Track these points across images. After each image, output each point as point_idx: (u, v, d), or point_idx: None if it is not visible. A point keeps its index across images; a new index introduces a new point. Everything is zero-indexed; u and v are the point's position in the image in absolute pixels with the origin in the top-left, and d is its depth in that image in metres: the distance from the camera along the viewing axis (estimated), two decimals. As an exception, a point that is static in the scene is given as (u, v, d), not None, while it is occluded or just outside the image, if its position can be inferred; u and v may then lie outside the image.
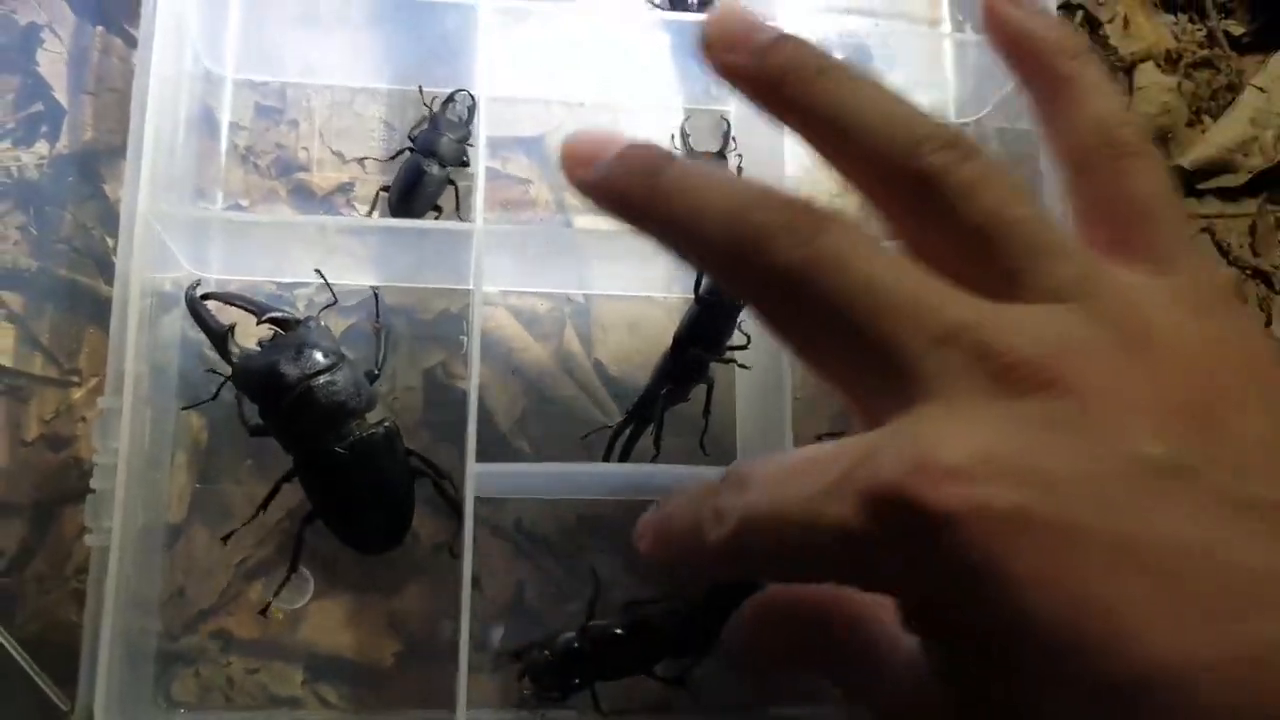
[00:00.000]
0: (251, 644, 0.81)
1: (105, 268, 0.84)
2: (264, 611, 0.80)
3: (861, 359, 0.38)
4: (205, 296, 0.78)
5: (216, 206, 0.86)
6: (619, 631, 0.79)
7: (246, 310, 0.79)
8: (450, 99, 0.88)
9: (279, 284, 0.85)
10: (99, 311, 0.83)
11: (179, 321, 0.83)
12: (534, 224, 0.90)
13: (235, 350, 0.77)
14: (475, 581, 0.80)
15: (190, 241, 0.80)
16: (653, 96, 0.93)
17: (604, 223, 0.87)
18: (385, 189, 0.87)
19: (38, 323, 0.84)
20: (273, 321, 0.78)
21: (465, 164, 0.86)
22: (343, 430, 0.76)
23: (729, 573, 0.45)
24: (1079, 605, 0.33)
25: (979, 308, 0.38)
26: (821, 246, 0.38)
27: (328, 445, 0.76)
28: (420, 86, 0.89)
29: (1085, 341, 0.37)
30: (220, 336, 0.77)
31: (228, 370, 0.78)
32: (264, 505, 0.79)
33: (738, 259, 0.40)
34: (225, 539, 0.80)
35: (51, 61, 0.88)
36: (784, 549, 0.39)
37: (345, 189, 0.88)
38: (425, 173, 0.85)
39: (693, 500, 0.43)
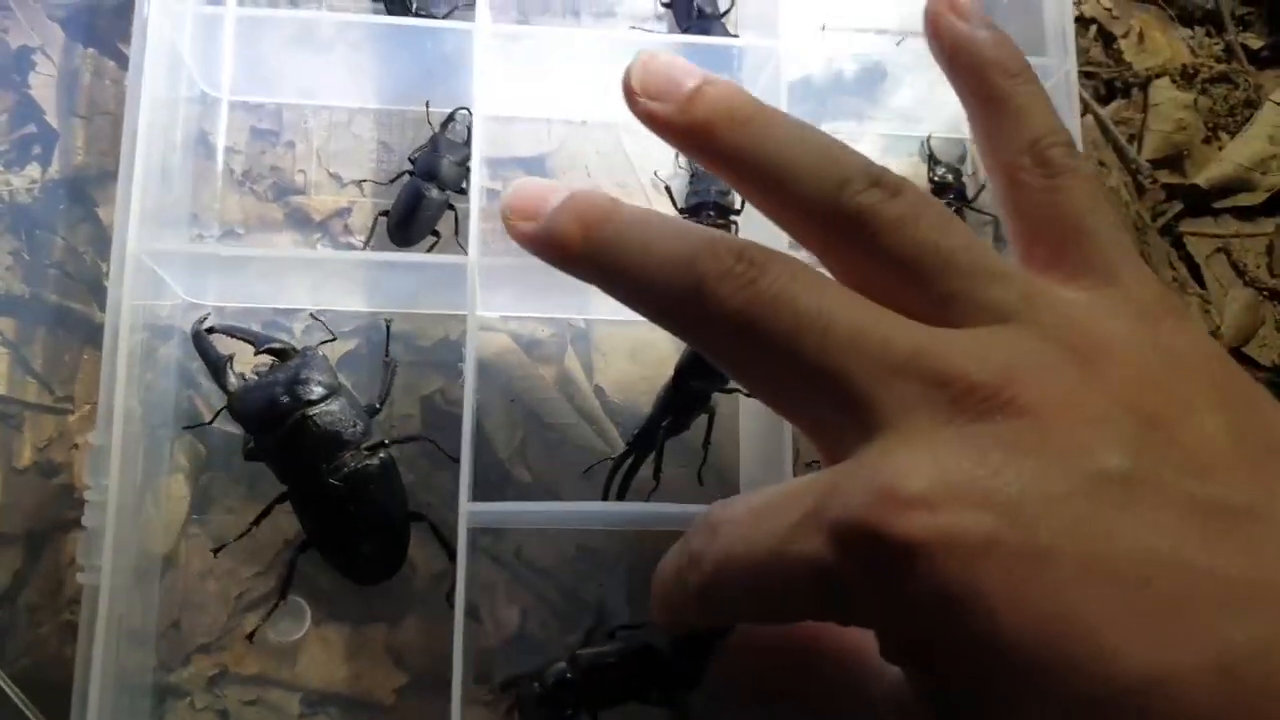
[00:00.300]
0: (248, 677, 0.80)
1: (98, 292, 0.83)
2: (251, 636, 0.80)
3: (817, 395, 0.39)
4: (210, 330, 0.78)
5: (212, 233, 0.86)
6: (610, 659, 0.78)
7: (245, 341, 0.79)
8: (451, 118, 0.87)
9: (276, 310, 0.85)
10: (92, 336, 0.83)
11: (175, 349, 0.82)
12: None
13: (232, 380, 0.77)
14: (474, 613, 0.81)
15: (186, 272, 0.80)
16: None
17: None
18: (384, 214, 0.86)
19: (30, 348, 0.83)
20: (270, 352, 0.78)
21: (465, 190, 0.85)
22: (337, 461, 0.76)
23: (713, 617, 0.45)
24: (1053, 624, 0.33)
25: (929, 334, 0.38)
26: (765, 287, 0.39)
27: (321, 476, 0.76)
28: (427, 103, 0.88)
29: (1034, 360, 0.37)
30: (218, 366, 0.77)
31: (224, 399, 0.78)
32: (256, 522, 0.78)
33: (684, 307, 0.41)
34: (216, 552, 0.80)
35: (43, 84, 0.87)
36: (759, 589, 0.39)
37: (343, 214, 0.87)
38: (424, 197, 0.85)
39: (675, 550, 0.44)
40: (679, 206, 0.89)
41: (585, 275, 0.44)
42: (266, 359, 0.79)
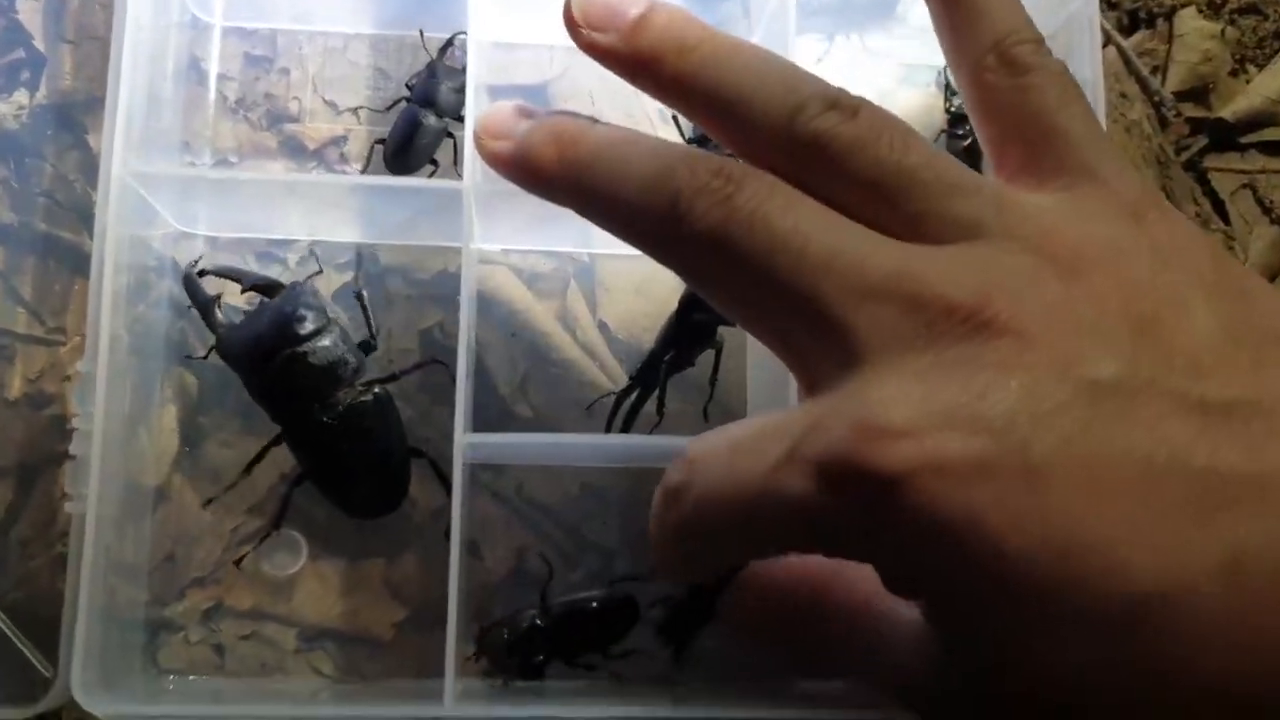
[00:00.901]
0: (243, 612, 0.80)
1: (88, 221, 0.83)
2: (239, 562, 0.80)
3: (792, 319, 0.38)
4: (203, 273, 0.77)
5: (204, 161, 0.85)
6: (584, 608, 0.79)
7: (233, 279, 0.78)
8: (449, 43, 0.86)
9: (270, 240, 0.84)
10: (83, 266, 0.82)
11: (167, 280, 0.82)
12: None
13: (220, 320, 0.76)
14: (474, 548, 0.80)
15: (176, 199, 0.79)
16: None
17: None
18: (380, 142, 0.85)
19: (20, 278, 0.83)
20: (256, 289, 0.77)
21: (463, 117, 0.84)
22: (330, 399, 0.75)
23: (696, 557, 0.44)
24: (1056, 544, 0.33)
25: (904, 254, 0.37)
26: (741, 204, 0.38)
27: (314, 415, 0.75)
28: (421, 30, 0.87)
29: (1013, 274, 0.37)
30: (205, 306, 0.76)
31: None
32: (249, 469, 0.78)
33: (660, 226, 0.41)
34: (207, 504, 0.80)
35: (31, 8, 0.86)
36: (742, 527, 0.39)
37: (338, 142, 0.87)
38: (421, 124, 0.84)
39: (658, 489, 0.45)
40: (687, 137, 0.88)
41: (560, 197, 0.44)
42: (255, 298, 0.79)
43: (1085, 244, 0.37)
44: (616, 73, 0.44)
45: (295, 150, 0.86)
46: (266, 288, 0.77)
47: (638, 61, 0.43)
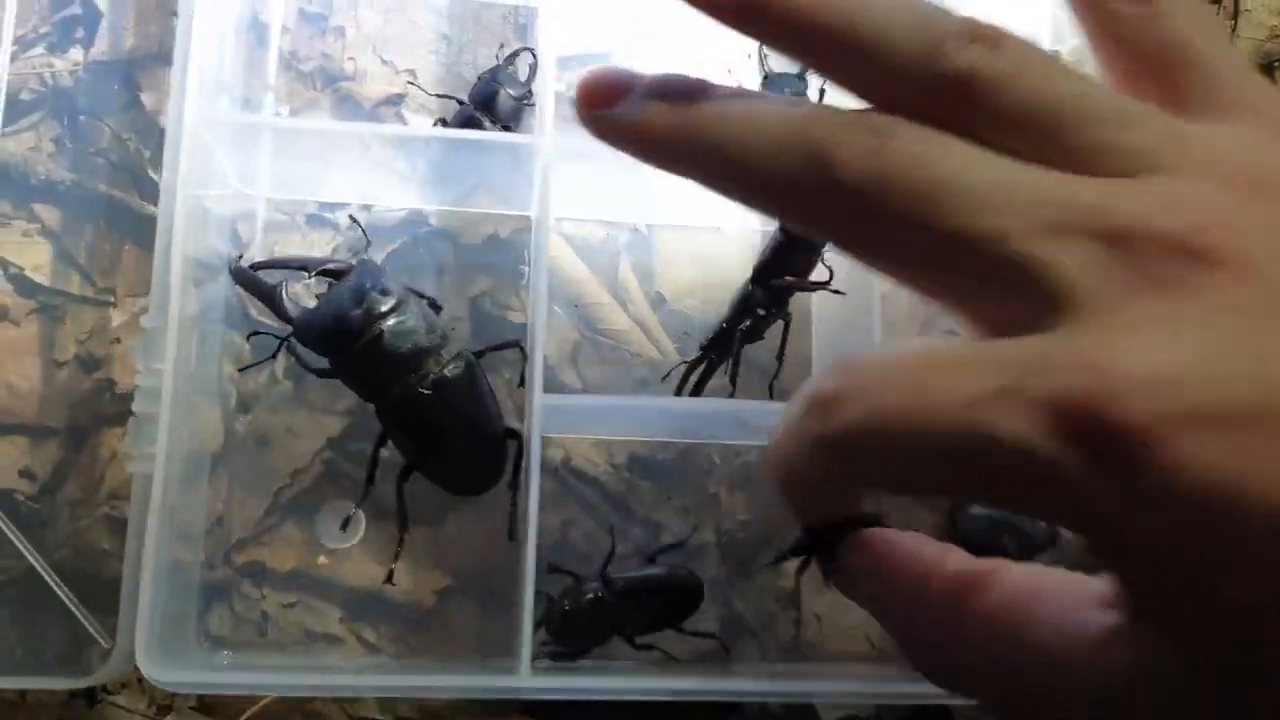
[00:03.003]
0: (287, 577, 0.82)
1: (142, 182, 0.85)
2: (388, 578, 0.82)
3: (969, 268, 0.35)
4: (253, 267, 0.78)
5: (266, 112, 0.87)
6: (645, 586, 0.81)
7: (294, 269, 0.79)
8: (515, 55, 0.88)
9: (320, 204, 0.87)
10: (136, 228, 0.85)
11: (225, 243, 0.84)
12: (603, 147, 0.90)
13: (291, 308, 0.77)
14: (512, 522, 0.82)
15: (238, 153, 0.81)
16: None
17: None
18: (459, 101, 0.88)
19: (73, 239, 0.85)
20: (325, 274, 0.78)
21: (515, 128, 0.87)
22: (421, 370, 0.76)
23: (833, 478, 0.38)
24: None
25: (1087, 186, 0.34)
26: (893, 150, 0.35)
27: (410, 387, 0.76)
28: (500, 46, 0.90)
29: (1214, 204, 0.34)
30: (271, 295, 0.77)
31: (282, 326, 0.79)
32: (370, 479, 0.80)
33: (800, 184, 0.36)
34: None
35: (88, -38, 0.88)
36: (918, 457, 0.34)
37: (394, 101, 0.89)
38: (478, 128, 0.85)
39: (792, 407, 0.38)
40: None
41: (679, 165, 0.39)
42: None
43: (1269, 171, 0.35)
44: (723, 19, 0.39)
45: (351, 108, 0.88)
46: (334, 271, 0.78)
47: (749, 6, 0.38)
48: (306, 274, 0.78)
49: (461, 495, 0.81)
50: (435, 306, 0.81)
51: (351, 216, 0.85)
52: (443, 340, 0.78)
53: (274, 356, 0.82)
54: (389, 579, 0.82)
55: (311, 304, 0.77)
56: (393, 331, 0.75)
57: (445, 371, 0.77)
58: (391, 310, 0.75)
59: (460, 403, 0.78)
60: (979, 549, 0.80)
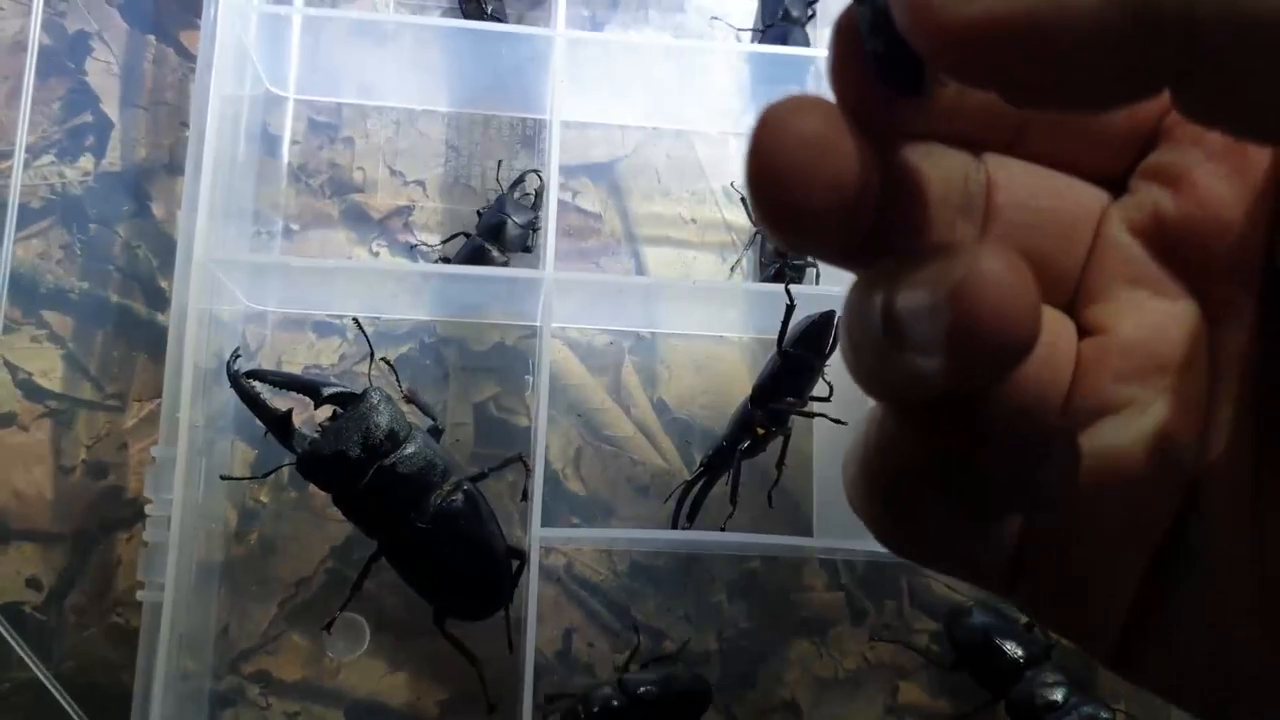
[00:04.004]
0: (292, 686, 0.84)
1: (151, 289, 0.86)
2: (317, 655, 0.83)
3: None
4: (251, 375, 0.77)
5: (275, 229, 0.89)
6: (660, 691, 0.82)
7: (299, 392, 0.79)
8: (520, 180, 0.89)
9: (329, 315, 0.88)
10: (144, 335, 0.86)
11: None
12: (603, 256, 0.92)
13: (297, 437, 0.77)
14: (519, 627, 0.82)
15: (248, 278, 0.82)
16: (729, 122, 0.95)
17: (677, 265, 0.91)
18: (465, 235, 0.89)
19: (82, 345, 0.86)
20: (332, 400, 0.78)
21: (529, 249, 0.88)
22: (423, 503, 0.77)
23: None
24: None
25: None
26: None
27: (410, 523, 0.77)
28: (499, 162, 0.92)
29: None
30: (279, 423, 0.77)
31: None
32: (358, 584, 0.80)
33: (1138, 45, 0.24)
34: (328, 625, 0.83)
35: (100, 71, 0.89)
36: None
37: (403, 212, 0.90)
38: (485, 258, 0.87)
39: None
40: (755, 219, 0.91)
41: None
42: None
43: None
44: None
45: (359, 219, 0.90)
46: (341, 398, 0.77)
47: None
48: (313, 402, 0.78)
49: (467, 620, 0.82)
50: (436, 432, 0.81)
51: (356, 320, 0.86)
52: (444, 474, 0.78)
53: (267, 476, 0.82)
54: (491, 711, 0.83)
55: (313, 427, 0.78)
56: (396, 470, 0.76)
57: (445, 504, 0.78)
58: (396, 451, 0.76)
59: (461, 533, 0.78)
60: (975, 651, 0.81)
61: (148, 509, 0.73)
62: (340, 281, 0.84)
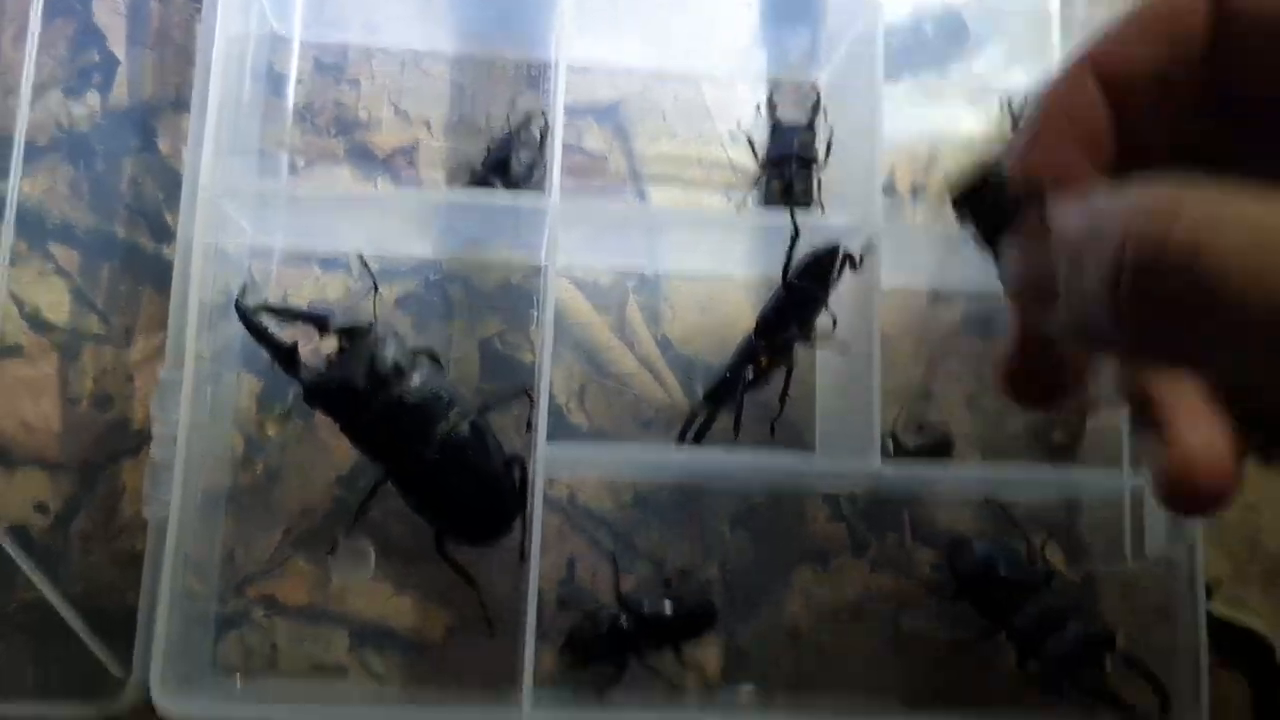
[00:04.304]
0: (297, 610, 0.85)
1: (158, 224, 0.87)
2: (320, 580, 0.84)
3: None
4: (259, 309, 0.78)
5: (281, 167, 0.89)
6: (667, 611, 0.83)
7: (308, 324, 0.79)
8: (527, 121, 0.90)
9: (335, 251, 0.89)
10: (151, 269, 0.87)
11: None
12: (607, 193, 0.93)
13: (305, 369, 0.77)
14: (523, 556, 0.82)
15: (255, 212, 0.83)
16: (736, 64, 0.95)
17: (682, 193, 0.92)
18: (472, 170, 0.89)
19: (89, 279, 0.87)
20: (340, 333, 0.78)
21: (533, 188, 0.88)
22: (430, 433, 0.78)
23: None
24: None
25: None
26: None
27: (418, 453, 0.78)
28: (512, 102, 0.92)
29: None
30: (286, 355, 0.77)
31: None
32: (363, 509, 0.81)
33: None
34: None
35: (106, 11, 0.90)
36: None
37: (407, 151, 0.91)
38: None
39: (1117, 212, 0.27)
40: (760, 160, 0.92)
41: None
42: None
43: None
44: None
45: (363, 157, 0.90)
46: (350, 330, 0.78)
47: None
48: (318, 332, 0.78)
49: (474, 545, 0.83)
50: (435, 359, 0.81)
51: (361, 258, 0.86)
52: (451, 403, 0.79)
53: (288, 414, 0.84)
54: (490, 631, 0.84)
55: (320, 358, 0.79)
56: (402, 400, 0.76)
57: (453, 434, 0.78)
58: (402, 382, 0.77)
59: (468, 462, 0.79)
60: (976, 581, 0.81)
61: (154, 427, 0.74)
62: (344, 214, 0.85)
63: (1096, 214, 0.28)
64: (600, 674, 0.82)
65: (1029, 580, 0.85)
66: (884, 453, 0.79)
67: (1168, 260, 0.25)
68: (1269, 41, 0.30)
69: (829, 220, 0.86)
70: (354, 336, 0.78)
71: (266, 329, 0.77)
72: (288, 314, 0.79)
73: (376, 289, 0.84)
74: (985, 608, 0.86)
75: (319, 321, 0.78)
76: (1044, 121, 0.33)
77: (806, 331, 0.82)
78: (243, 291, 0.78)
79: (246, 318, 0.77)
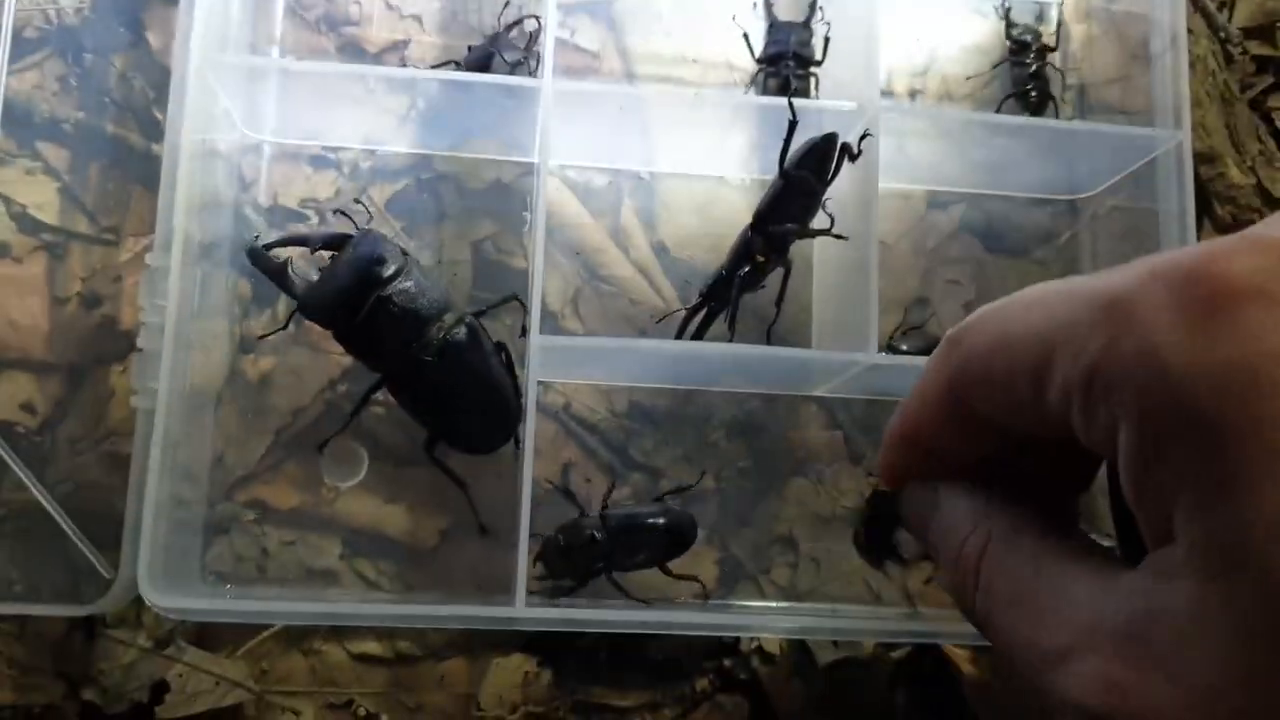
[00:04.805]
0: (288, 515, 0.84)
1: (148, 122, 0.86)
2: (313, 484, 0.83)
3: None
4: (265, 248, 0.79)
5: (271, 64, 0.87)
6: (644, 525, 0.82)
7: (299, 244, 0.80)
8: (517, 23, 0.88)
9: (324, 147, 0.87)
10: (141, 168, 0.85)
11: (233, 188, 0.85)
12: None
13: (296, 283, 0.78)
14: (518, 448, 0.82)
15: (243, 97, 0.82)
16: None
17: (679, 90, 0.90)
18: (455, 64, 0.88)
19: (78, 177, 0.85)
20: (327, 247, 0.79)
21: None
22: (425, 336, 0.77)
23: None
24: None
25: None
26: None
27: (414, 355, 0.77)
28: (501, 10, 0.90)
29: None
30: (278, 272, 0.78)
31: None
32: (356, 411, 0.81)
33: None
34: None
35: (93, -101, 0.88)
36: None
37: (399, 47, 0.89)
38: None
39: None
40: (756, 56, 0.91)
41: None
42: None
43: None
44: None
45: (354, 54, 0.89)
46: (336, 243, 0.79)
47: None
48: (309, 250, 0.79)
49: (474, 454, 0.82)
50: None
51: (339, 211, 0.84)
52: (444, 305, 0.78)
53: (285, 326, 0.82)
54: (483, 532, 0.84)
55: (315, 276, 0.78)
56: (393, 302, 0.76)
57: (449, 337, 0.78)
58: (391, 280, 0.76)
59: (466, 366, 0.79)
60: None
61: (142, 315, 0.73)
62: (334, 105, 0.84)
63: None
64: (561, 588, 0.81)
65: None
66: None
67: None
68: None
69: (829, 101, 0.85)
70: (340, 246, 0.78)
71: (268, 258, 0.79)
72: (282, 243, 0.80)
73: (370, 222, 0.84)
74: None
75: (306, 240, 0.80)
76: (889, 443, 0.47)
77: (804, 226, 0.81)
78: (255, 239, 0.79)
79: (255, 256, 0.78)
